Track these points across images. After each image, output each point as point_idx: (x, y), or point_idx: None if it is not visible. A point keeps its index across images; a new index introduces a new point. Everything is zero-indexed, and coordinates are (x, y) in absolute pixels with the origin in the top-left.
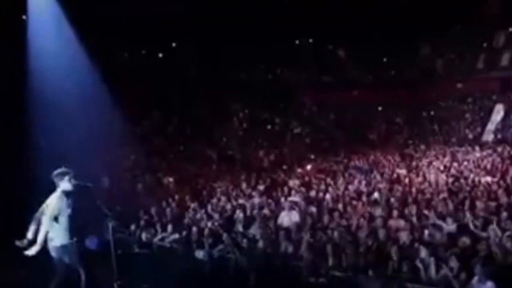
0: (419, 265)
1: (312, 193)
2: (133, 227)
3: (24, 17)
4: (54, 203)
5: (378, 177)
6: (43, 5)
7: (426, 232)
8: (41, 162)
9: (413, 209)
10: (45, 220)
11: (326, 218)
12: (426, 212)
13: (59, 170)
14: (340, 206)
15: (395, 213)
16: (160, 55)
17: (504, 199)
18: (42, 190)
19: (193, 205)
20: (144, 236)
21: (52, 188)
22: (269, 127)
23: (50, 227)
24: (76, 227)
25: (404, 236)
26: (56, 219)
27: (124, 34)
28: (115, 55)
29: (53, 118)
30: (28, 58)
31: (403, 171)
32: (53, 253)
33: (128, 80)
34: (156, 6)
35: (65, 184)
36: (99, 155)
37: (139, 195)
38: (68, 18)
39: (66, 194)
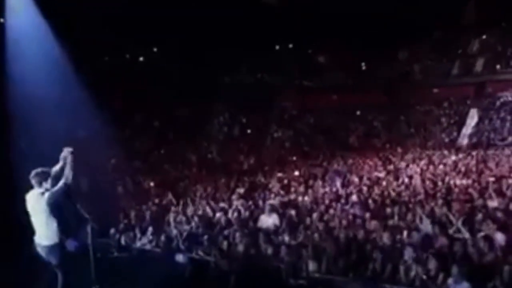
0: (398, 266)
1: (292, 196)
2: (112, 230)
3: (1, 19)
4: (39, 201)
5: (357, 180)
6: (21, 7)
7: (404, 233)
8: (21, 163)
9: (391, 211)
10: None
11: (305, 221)
12: (403, 213)
13: (39, 170)
14: (319, 208)
15: (373, 215)
16: (141, 59)
17: (478, 201)
18: (22, 190)
19: (173, 208)
20: (123, 239)
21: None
22: (249, 131)
23: (40, 225)
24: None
25: (382, 238)
26: (45, 217)
27: (105, 38)
28: (96, 58)
29: (33, 119)
30: (6, 60)
31: (381, 174)
32: (41, 253)
33: (109, 83)
34: (138, 9)
35: (47, 185)
36: (79, 158)
37: (119, 198)
38: (47, 21)
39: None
